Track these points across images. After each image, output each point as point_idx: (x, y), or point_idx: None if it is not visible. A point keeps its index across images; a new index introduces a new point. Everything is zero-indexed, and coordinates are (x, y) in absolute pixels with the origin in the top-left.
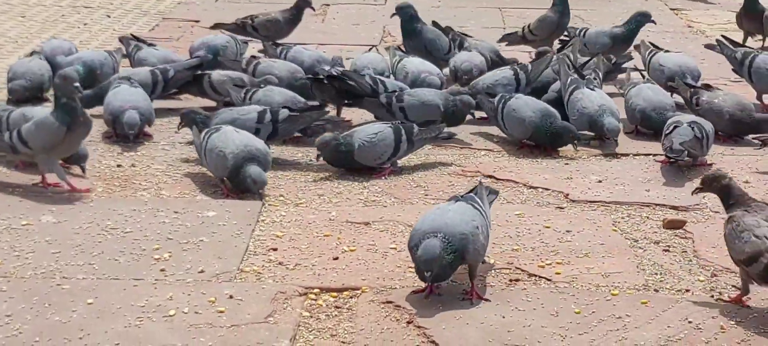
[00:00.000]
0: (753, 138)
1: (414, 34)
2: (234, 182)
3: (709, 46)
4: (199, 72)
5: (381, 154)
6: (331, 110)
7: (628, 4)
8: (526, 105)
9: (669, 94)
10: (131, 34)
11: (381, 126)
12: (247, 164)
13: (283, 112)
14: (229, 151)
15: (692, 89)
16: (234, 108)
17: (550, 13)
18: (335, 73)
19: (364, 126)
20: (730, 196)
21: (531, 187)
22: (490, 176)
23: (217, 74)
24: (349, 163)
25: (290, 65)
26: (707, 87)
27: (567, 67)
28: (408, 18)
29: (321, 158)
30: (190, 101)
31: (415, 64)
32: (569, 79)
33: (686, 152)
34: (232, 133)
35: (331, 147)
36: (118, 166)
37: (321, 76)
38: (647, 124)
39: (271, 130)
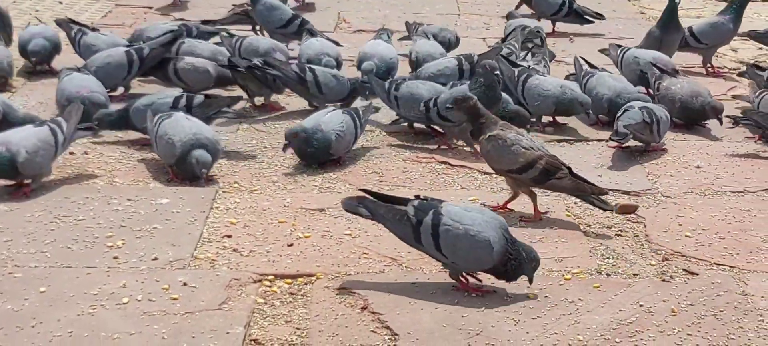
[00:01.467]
0: (727, 116)
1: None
2: (181, 169)
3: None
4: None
5: (349, 143)
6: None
7: None
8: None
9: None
10: (68, 18)
11: (339, 115)
12: (193, 150)
13: (198, 98)
14: (178, 138)
15: (657, 75)
16: (152, 94)
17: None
18: (254, 64)
19: (318, 117)
20: (479, 116)
21: (485, 173)
22: (445, 162)
23: (182, 61)
24: (321, 157)
25: (213, 47)
26: (674, 73)
27: (507, 61)
28: None
29: (288, 149)
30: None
31: (315, 45)
32: (516, 71)
33: (631, 135)
34: (182, 120)
35: (301, 139)
36: (71, 153)
37: (239, 67)
38: (614, 112)
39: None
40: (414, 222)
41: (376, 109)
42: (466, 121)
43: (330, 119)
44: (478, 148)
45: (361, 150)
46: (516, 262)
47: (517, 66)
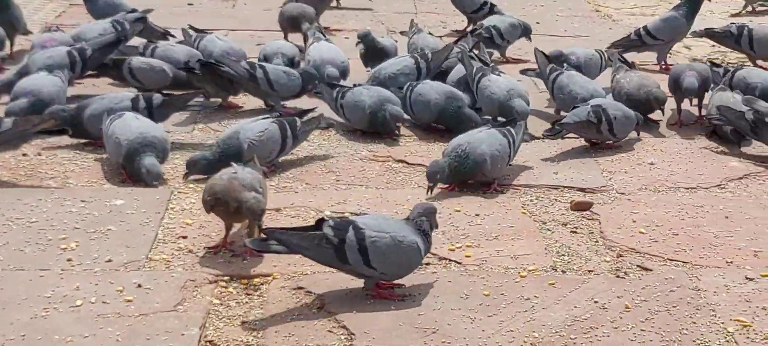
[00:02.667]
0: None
1: None
2: (129, 169)
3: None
4: (121, 58)
5: (270, 152)
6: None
7: None
8: (431, 88)
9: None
10: None
11: (265, 123)
12: (142, 154)
13: (157, 98)
14: (124, 138)
15: (615, 68)
16: (108, 95)
17: None
18: (207, 62)
19: (244, 124)
20: None
21: None
22: (402, 161)
23: (137, 61)
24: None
25: (190, 50)
26: (632, 65)
27: (470, 57)
28: None
29: (188, 177)
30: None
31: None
32: (475, 68)
33: (563, 132)
34: (131, 121)
35: (201, 166)
36: (24, 155)
37: (194, 69)
38: None
39: (147, 116)
40: (336, 243)
41: (329, 125)
42: None
43: (252, 127)
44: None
45: (318, 149)
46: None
47: (484, 62)
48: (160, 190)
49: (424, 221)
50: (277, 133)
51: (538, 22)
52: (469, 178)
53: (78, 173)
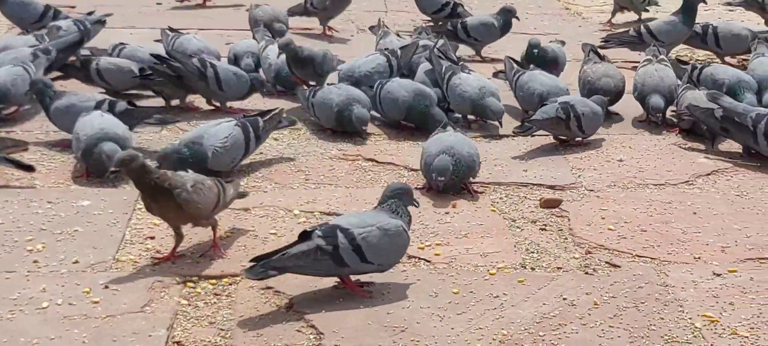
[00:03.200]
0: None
1: None
2: (91, 164)
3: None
4: (89, 58)
5: (234, 158)
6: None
7: None
8: (400, 86)
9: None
10: None
11: (228, 127)
12: (101, 143)
13: (120, 105)
14: (84, 133)
15: (586, 60)
16: (74, 95)
17: None
18: (158, 56)
19: (207, 129)
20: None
21: (411, 169)
22: (371, 159)
23: (105, 61)
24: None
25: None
26: (603, 58)
27: (440, 55)
28: None
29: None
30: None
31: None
32: (444, 67)
33: (533, 128)
34: (95, 118)
35: (174, 159)
36: None
37: (149, 74)
38: None
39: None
40: (330, 250)
41: (291, 122)
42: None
43: (216, 132)
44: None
45: (287, 148)
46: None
47: (452, 60)
48: (127, 191)
49: (397, 203)
50: (241, 138)
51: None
52: (459, 181)
53: (44, 174)
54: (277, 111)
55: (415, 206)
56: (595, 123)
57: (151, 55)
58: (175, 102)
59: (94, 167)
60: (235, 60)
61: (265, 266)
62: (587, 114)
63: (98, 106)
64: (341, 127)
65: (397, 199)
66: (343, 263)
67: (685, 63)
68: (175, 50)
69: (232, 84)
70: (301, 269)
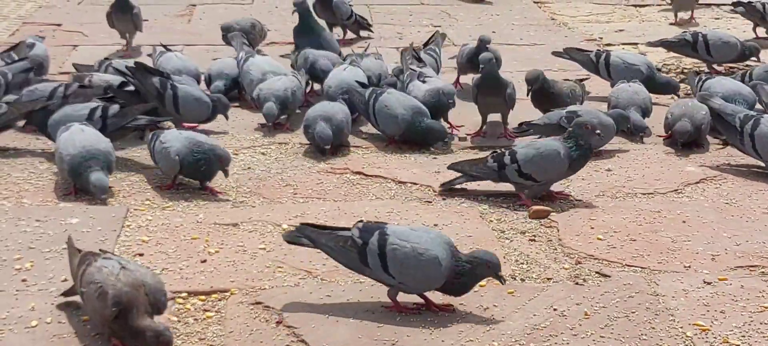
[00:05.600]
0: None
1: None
2: (77, 183)
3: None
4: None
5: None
6: None
7: (496, 6)
8: (398, 103)
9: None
10: None
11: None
12: (88, 168)
13: (114, 108)
14: (67, 153)
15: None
16: (69, 106)
17: None
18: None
19: (192, 136)
20: None
21: (400, 182)
22: (359, 172)
23: (96, 78)
24: (213, 175)
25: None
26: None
27: (408, 60)
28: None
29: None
30: None
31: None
32: (407, 73)
33: (530, 130)
34: (75, 134)
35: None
36: None
37: (110, 93)
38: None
39: (100, 126)
40: (359, 245)
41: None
42: None
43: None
44: None
45: (274, 163)
46: (465, 277)
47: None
48: (115, 208)
49: (476, 267)
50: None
51: (493, 32)
52: None
53: (33, 192)
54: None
55: (501, 283)
56: (607, 135)
57: (114, 68)
58: None
59: (83, 188)
60: (209, 81)
61: (300, 232)
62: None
63: (92, 113)
64: (411, 138)
65: (481, 267)
66: (366, 262)
67: (698, 72)
68: (158, 66)
69: (190, 108)
70: (330, 250)
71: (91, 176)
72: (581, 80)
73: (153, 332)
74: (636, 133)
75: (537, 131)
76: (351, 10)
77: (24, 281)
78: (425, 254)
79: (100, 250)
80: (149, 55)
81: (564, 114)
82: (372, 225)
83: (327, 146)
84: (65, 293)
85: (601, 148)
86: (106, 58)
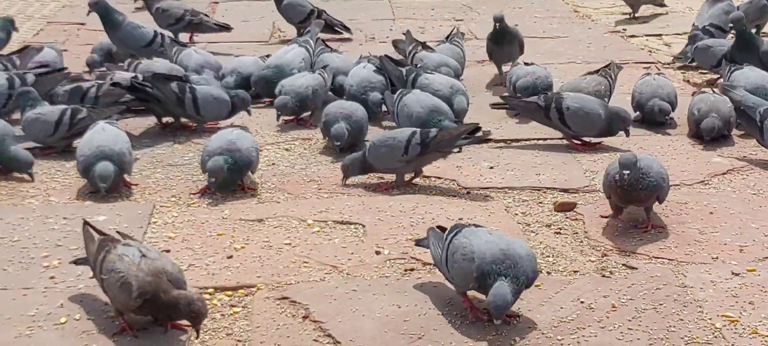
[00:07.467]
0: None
1: None
2: (90, 183)
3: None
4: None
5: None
6: None
7: None
8: (417, 101)
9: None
10: None
11: (247, 134)
12: (95, 164)
13: (82, 113)
14: (81, 153)
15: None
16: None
17: None
18: (137, 83)
19: (226, 135)
20: None
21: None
22: None
23: (119, 77)
24: (242, 177)
25: (170, 64)
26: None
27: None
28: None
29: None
30: None
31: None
32: (404, 71)
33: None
34: (95, 135)
35: (225, 171)
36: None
37: (126, 102)
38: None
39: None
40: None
41: None
42: None
43: (246, 136)
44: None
45: (298, 159)
46: None
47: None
48: (141, 205)
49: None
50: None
51: (516, 24)
52: None
53: (59, 190)
54: None
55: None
56: (585, 122)
57: (132, 79)
58: (166, 119)
59: (93, 187)
60: (221, 79)
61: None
62: (574, 110)
63: (61, 116)
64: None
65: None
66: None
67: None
68: (179, 63)
69: (210, 108)
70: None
71: (96, 168)
72: (607, 66)
73: (186, 301)
74: (661, 116)
75: (516, 109)
76: (308, 11)
77: (52, 278)
78: (459, 252)
79: (117, 233)
80: (161, 51)
81: (543, 95)
82: (458, 226)
83: (338, 143)
84: (76, 262)
85: (625, 140)
86: (134, 57)
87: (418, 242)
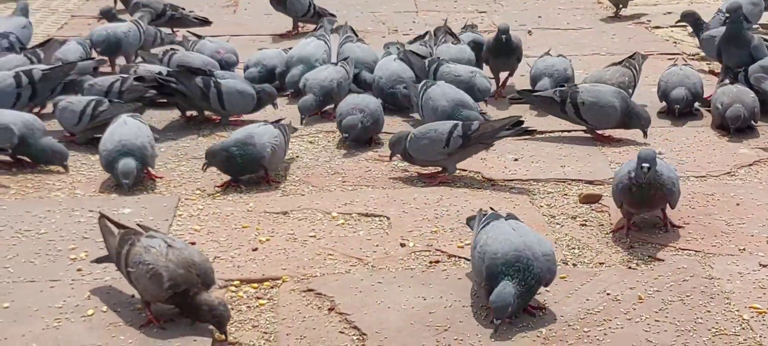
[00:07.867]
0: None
1: None
2: (114, 177)
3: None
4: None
5: (281, 159)
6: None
7: None
8: (442, 95)
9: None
10: None
11: (271, 129)
12: (119, 160)
13: (37, 72)
14: (103, 148)
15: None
16: None
17: None
18: (161, 78)
19: (250, 129)
20: None
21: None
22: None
23: (142, 68)
24: (251, 171)
25: (205, 58)
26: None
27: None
28: None
29: (207, 168)
30: None
31: None
32: (426, 62)
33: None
34: (119, 128)
35: (221, 159)
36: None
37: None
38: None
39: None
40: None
41: (294, 129)
42: None
43: (263, 132)
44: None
45: (322, 151)
46: None
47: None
48: (167, 197)
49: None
50: (283, 139)
51: (539, 16)
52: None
53: (85, 183)
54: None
55: None
56: (601, 116)
57: (157, 75)
58: (189, 112)
59: (117, 181)
60: (245, 69)
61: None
62: (589, 104)
63: (86, 107)
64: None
65: None
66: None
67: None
68: (196, 52)
69: (235, 102)
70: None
71: (118, 164)
72: (631, 57)
73: (208, 307)
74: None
75: (531, 102)
76: (308, 5)
77: (79, 270)
78: (478, 247)
79: (137, 225)
80: (180, 44)
81: (559, 88)
82: (490, 215)
83: (346, 135)
84: (98, 261)
85: (651, 131)
86: (172, 48)
87: (469, 220)
